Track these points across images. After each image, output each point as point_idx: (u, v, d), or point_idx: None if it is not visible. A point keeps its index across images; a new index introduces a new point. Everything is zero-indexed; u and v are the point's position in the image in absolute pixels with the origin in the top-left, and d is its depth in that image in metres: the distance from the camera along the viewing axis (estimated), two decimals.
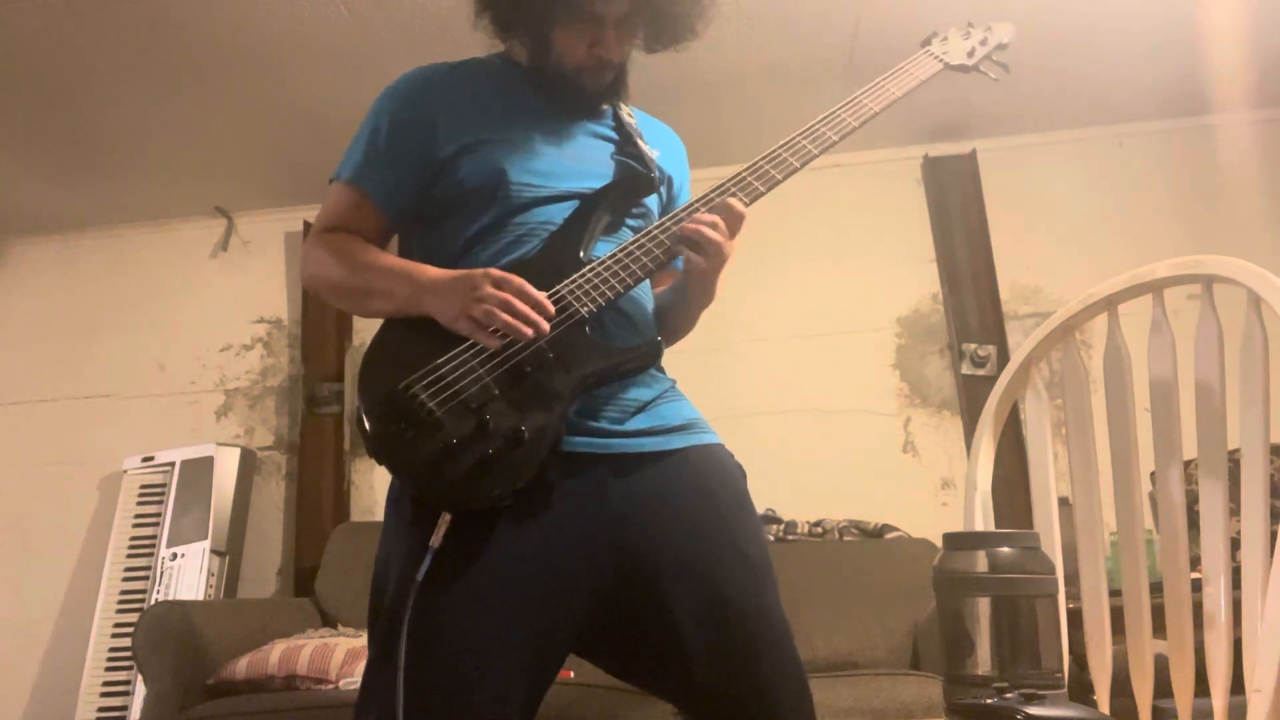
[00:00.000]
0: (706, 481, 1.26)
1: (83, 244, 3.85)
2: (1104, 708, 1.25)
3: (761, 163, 1.30)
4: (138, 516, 3.31)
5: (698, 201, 1.29)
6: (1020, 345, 1.45)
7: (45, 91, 2.90)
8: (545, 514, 1.16)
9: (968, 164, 3.42)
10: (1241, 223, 3.23)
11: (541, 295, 1.17)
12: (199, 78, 2.88)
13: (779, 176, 1.30)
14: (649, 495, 1.22)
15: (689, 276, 1.31)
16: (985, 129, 3.42)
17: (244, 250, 3.76)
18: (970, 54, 1.48)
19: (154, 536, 3.24)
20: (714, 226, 1.24)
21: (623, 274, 1.22)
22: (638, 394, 1.27)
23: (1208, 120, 3.37)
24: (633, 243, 1.25)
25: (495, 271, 1.18)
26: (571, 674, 2.18)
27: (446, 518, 1.10)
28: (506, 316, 1.14)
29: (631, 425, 1.24)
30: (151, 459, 3.38)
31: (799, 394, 3.31)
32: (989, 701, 0.89)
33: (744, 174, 1.30)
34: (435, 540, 1.09)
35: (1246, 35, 2.90)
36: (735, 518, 1.26)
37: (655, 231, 1.26)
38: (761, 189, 1.29)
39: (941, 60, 1.45)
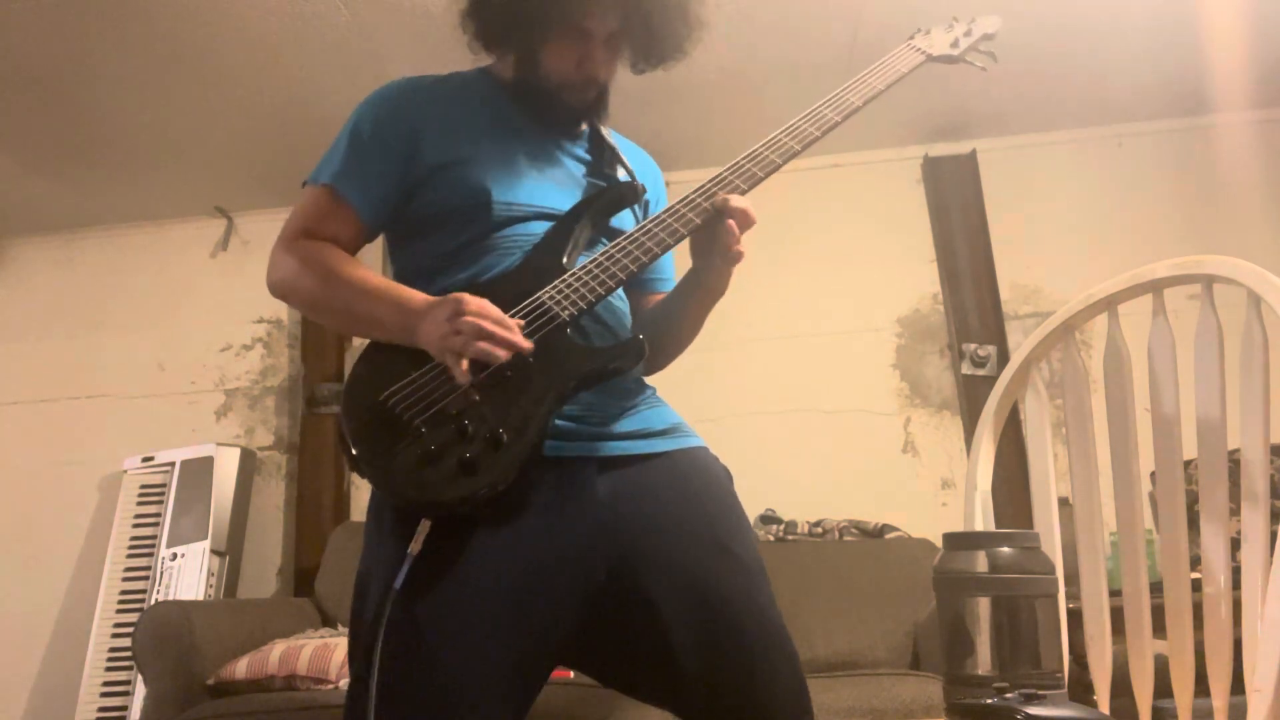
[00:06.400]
0: (692, 484, 1.25)
1: (83, 244, 3.85)
2: (1104, 708, 1.24)
3: (743, 161, 1.29)
4: (138, 516, 3.30)
5: (679, 203, 1.26)
6: (1020, 345, 1.45)
7: (45, 91, 2.90)
8: (530, 521, 1.14)
9: (968, 164, 3.42)
10: (1241, 223, 3.23)
11: (514, 323, 1.13)
12: (199, 77, 2.88)
13: (761, 174, 1.28)
14: (635, 498, 1.20)
15: (716, 258, 1.26)
16: (985, 129, 3.42)
17: (244, 250, 3.76)
18: (954, 44, 1.46)
19: (154, 536, 3.24)
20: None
21: (604, 277, 1.20)
22: (620, 399, 1.26)
23: (1208, 120, 3.36)
24: (613, 247, 1.23)
25: (471, 300, 1.13)
26: (571, 674, 2.18)
27: (426, 524, 1.08)
28: (482, 344, 1.10)
29: (616, 428, 1.24)
30: (151, 459, 3.38)
31: (799, 394, 3.31)
32: (989, 701, 0.89)
33: (725, 174, 1.28)
34: (414, 546, 1.07)
35: (1246, 35, 2.90)
36: (722, 519, 1.25)
37: (638, 235, 1.23)
38: (744, 187, 1.27)
39: (924, 52, 1.43)
